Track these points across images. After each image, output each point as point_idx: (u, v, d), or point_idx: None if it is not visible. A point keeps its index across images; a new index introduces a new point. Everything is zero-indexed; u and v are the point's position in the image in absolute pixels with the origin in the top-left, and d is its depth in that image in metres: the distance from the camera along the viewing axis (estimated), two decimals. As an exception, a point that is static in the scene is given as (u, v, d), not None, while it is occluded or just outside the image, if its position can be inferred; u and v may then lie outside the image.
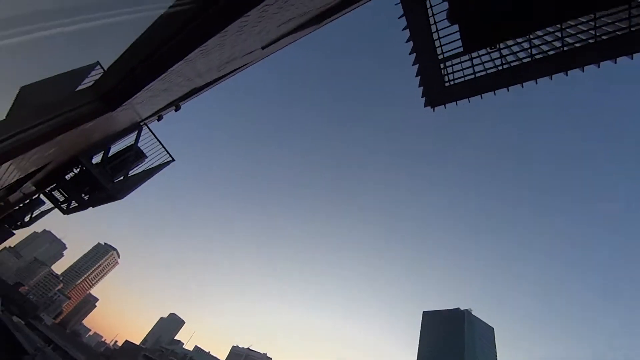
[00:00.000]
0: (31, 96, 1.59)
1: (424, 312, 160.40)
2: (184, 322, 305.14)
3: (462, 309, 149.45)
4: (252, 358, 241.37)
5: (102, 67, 1.76)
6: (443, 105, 7.39)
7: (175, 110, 8.28)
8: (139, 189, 5.63)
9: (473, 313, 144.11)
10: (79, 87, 1.80)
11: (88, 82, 1.84)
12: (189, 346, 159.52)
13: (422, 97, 7.18)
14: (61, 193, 6.40)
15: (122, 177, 5.19)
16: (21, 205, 8.12)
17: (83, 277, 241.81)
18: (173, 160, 5.94)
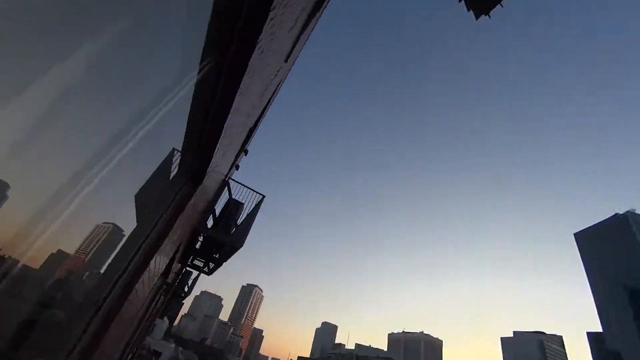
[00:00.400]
0: (144, 199, 1.91)
1: (574, 234, 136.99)
2: (337, 326, 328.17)
3: (620, 213, 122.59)
4: (410, 338, 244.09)
5: (178, 150, 2.06)
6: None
7: (245, 155, 9.07)
8: (250, 231, 6.31)
9: (638, 212, 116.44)
10: (171, 176, 2.12)
11: (174, 167, 2.17)
12: (349, 346, 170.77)
13: (468, 10, 6.31)
14: (199, 260, 7.66)
15: (234, 229, 5.92)
16: (177, 281, 9.93)
17: (244, 317, 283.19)
18: (264, 196, 6.56)
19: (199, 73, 1.51)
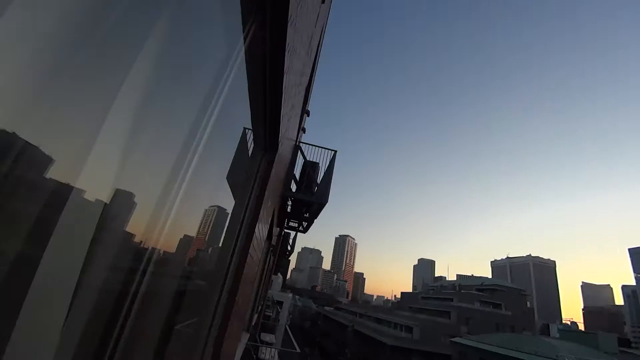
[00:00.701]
0: (234, 178, 2.10)
1: None
2: (434, 261, 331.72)
3: None
4: (516, 263, 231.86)
5: (248, 128, 2.17)
6: None
7: (307, 116, 9.14)
8: (332, 185, 6.53)
9: None
10: (250, 152, 2.27)
11: (250, 144, 2.31)
12: (450, 278, 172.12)
13: None
14: (293, 222, 8.42)
15: (316, 188, 6.23)
16: (280, 243, 11.14)
17: (344, 264, 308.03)
18: (335, 151, 6.64)
19: (244, 42, 1.47)
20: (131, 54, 0.87)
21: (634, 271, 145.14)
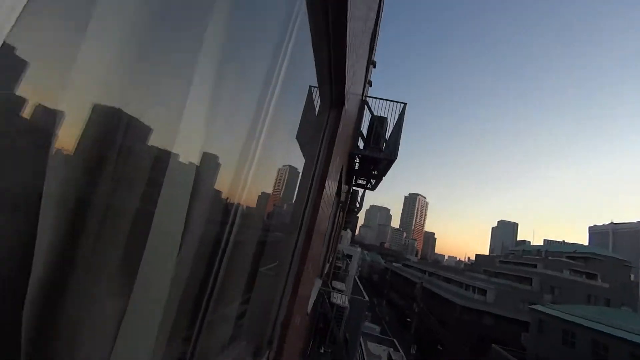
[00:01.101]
0: (303, 137, 2.18)
1: None
2: (517, 224, 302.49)
3: None
4: (621, 230, 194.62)
5: (314, 86, 2.16)
6: None
7: (374, 67, 8.60)
8: (402, 141, 6.26)
9: None
10: (317, 111, 2.29)
11: (316, 102, 2.33)
12: (536, 242, 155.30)
13: None
14: (361, 179, 8.48)
15: (384, 144, 6.05)
16: (349, 200, 11.43)
17: (413, 223, 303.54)
18: (405, 104, 6.21)
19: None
20: (202, 20, 0.92)
21: None
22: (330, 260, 10.67)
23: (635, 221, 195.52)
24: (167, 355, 0.97)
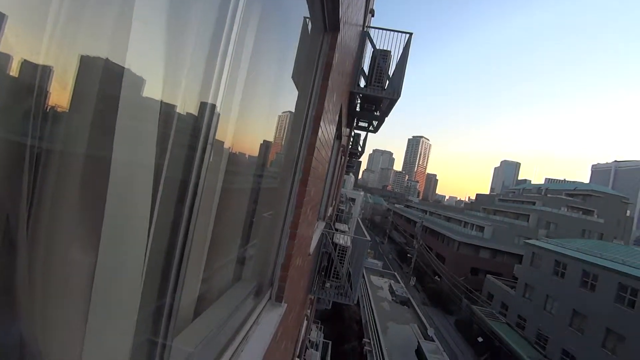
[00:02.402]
0: (299, 77, 1.96)
1: None
2: (519, 163, 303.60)
3: None
4: (625, 168, 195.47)
5: (307, 17, 1.87)
6: None
7: (372, 16, 7.65)
8: (406, 78, 5.82)
9: None
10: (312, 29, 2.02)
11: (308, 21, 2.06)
12: (538, 181, 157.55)
13: None
14: (363, 121, 8.16)
15: (387, 81, 5.63)
16: (351, 143, 11.21)
17: (416, 165, 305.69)
18: (411, 34, 5.60)
19: None
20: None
21: None
22: (334, 204, 10.88)
23: (639, 159, 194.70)
24: (171, 298, 0.97)
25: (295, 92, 2.10)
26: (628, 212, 49.13)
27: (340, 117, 4.43)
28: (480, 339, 26.44)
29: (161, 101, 0.82)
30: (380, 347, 17.22)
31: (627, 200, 49.04)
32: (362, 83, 5.83)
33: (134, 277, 0.83)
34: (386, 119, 7.24)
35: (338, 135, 5.95)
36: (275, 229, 2.16)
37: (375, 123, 7.88)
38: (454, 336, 28.57)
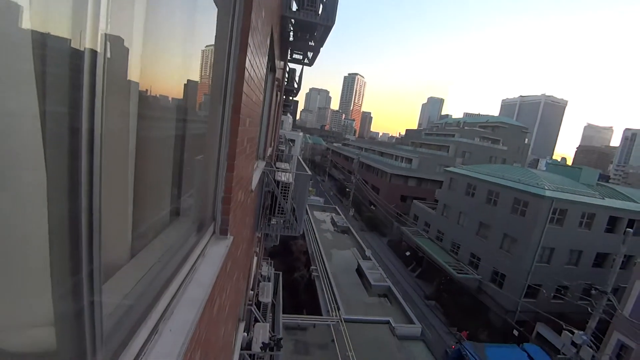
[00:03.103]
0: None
1: None
2: (443, 100, 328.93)
3: None
4: (527, 102, 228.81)
5: None
6: None
7: None
8: (339, 8, 5.50)
9: None
10: None
11: None
12: (457, 115, 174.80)
13: None
14: (297, 53, 7.68)
15: (320, 6, 5.23)
16: (286, 78, 10.65)
17: (352, 104, 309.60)
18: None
19: None
20: None
21: None
22: (273, 144, 10.67)
23: (539, 94, 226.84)
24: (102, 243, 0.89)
25: (214, 9, 1.80)
26: (527, 140, 58.33)
27: (272, 43, 4.06)
28: (408, 253, 31.14)
29: (32, 31, 0.63)
30: (326, 271, 19.19)
31: (526, 130, 57.87)
32: (294, 7, 5.32)
33: (33, 232, 0.74)
34: (322, 55, 6.92)
35: (272, 67, 5.56)
36: (210, 162, 2.02)
37: (310, 55, 7.49)
38: (387, 254, 33.06)
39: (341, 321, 14.19)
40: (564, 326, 12.74)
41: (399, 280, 26.89)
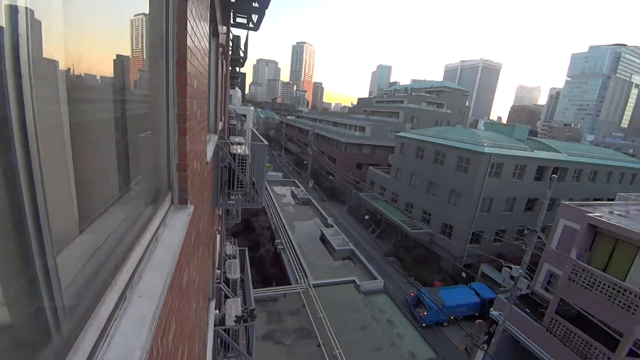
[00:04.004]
0: None
1: None
2: (391, 67, 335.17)
3: None
4: (467, 66, 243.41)
5: None
6: None
7: None
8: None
9: None
10: None
11: None
12: (405, 82, 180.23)
13: None
14: (240, 16, 7.14)
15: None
16: (231, 45, 9.95)
17: (302, 74, 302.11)
18: None
19: None
20: None
21: (567, 75, 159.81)
22: (223, 119, 10.13)
23: (478, 59, 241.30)
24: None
25: None
26: (467, 102, 62.47)
27: (212, 3, 3.72)
28: (367, 217, 32.75)
29: None
30: (291, 242, 19.53)
31: (467, 93, 61.80)
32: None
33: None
34: (269, 24, 6.51)
35: (214, 32, 5.14)
36: (160, 127, 1.86)
37: (255, 17, 7.01)
38: (348, 220, 34.44)
39: (310, 287, 14.79)
40: (503, 264, 14.66)
41: (361, 242, 28.42)
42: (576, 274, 13.49)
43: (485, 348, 13.28)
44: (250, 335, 8.15)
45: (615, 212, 15.84)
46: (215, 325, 6.76)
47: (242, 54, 12.35)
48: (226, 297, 9.59)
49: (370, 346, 11.92)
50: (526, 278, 13.43)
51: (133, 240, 1.37)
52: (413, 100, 53.56)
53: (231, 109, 21.08)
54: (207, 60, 3.11)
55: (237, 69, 20.00)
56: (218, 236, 8.48)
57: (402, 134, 32.67)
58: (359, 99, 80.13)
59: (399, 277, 23.62)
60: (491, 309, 16.89)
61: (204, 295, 4.34)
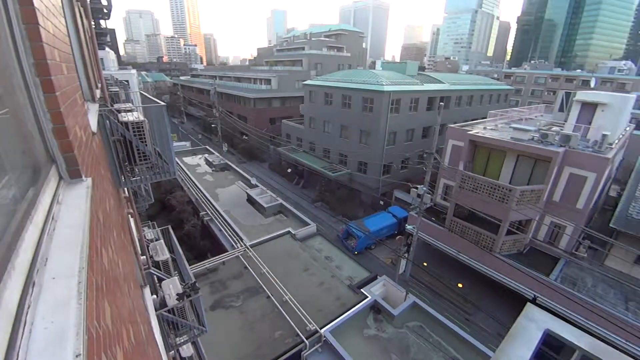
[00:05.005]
0: None
1: None
2: (286, 11, 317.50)
3: None
4: (360, 7, 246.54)
5: None
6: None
7: None
8: None
9: None
10: None
11: None
12: (303, 28, 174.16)
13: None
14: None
15: None
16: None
17: (188, 25, 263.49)
18: None
19: None
20: None
21: (445, 11, 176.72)
22: (100, 85, 8.36)
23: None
24: None
25: None
26: (364, 44, 64.38)
27: None
28: (289, 170, 33.20)
29: None
30: (218, 211, 18.78)
31: (363, 35, 63.34)
32: None
33: None
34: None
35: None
36: (9, 83, 1.41)
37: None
38: (271, 176, 34.41)
39: (248, 248, 14.85)
40: (411, 186, 17.03)
41: (288, 195, 29.09)
42: (464, 182, 16.61)
43: (406, 257, 15.86)
44: (198, 308, 7.99)
45: (488, 127, 19.50)
46: (156, 310, 6.37)
47: (104, 1, 10.02)
48: (160, 280, 8.98)
49: (315, 283, 13.02)
50: (429, 193, 15.97)
51: (21, 221, 1.10)
52: (314, 46, 52.78)
53: (107, 75, 17.51)
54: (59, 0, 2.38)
55: (103, 22, 16.49)
56: (132, 219, 7.57)
57: (308, 82, 32.50)
58: (258, 49, 75.19)
59: (328, 218, 25.44)
60: (406, 224, 19.89)
61: (134, 281, 3.95)
